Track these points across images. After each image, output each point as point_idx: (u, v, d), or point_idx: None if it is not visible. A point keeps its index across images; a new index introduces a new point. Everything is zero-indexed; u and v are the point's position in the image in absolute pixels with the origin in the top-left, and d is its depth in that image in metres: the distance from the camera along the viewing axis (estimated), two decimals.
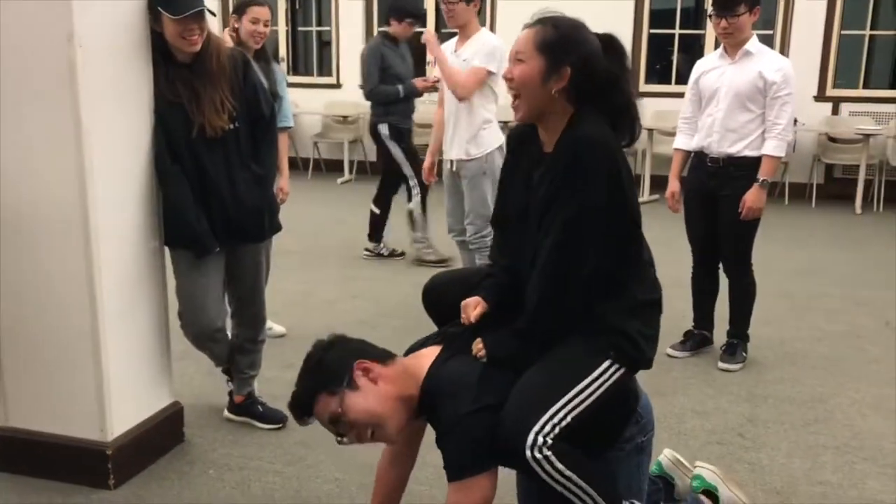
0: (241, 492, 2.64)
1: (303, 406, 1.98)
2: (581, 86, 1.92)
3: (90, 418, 2.63)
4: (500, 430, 1.84)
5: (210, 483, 2.70)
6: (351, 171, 9.28)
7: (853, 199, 7.71)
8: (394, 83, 5.35)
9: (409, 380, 1.98)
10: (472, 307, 2.04)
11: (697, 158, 3.81)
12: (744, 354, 3.81)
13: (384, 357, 2.02)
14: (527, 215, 1.99)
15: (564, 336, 1.95)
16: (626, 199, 1.91)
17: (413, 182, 5.48)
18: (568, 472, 1.84)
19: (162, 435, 2.87)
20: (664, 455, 2.51)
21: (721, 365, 3.77)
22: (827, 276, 5.40)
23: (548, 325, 1.95)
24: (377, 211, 5.69)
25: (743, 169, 3.63)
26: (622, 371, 1.94)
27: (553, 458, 1.81)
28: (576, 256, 1.88)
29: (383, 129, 5.45)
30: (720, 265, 3.89)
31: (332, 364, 1.96)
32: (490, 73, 3.94)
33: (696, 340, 3.97)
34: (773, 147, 3.58)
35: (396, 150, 5.50)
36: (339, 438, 1.98)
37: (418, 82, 5.38)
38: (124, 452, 2.67)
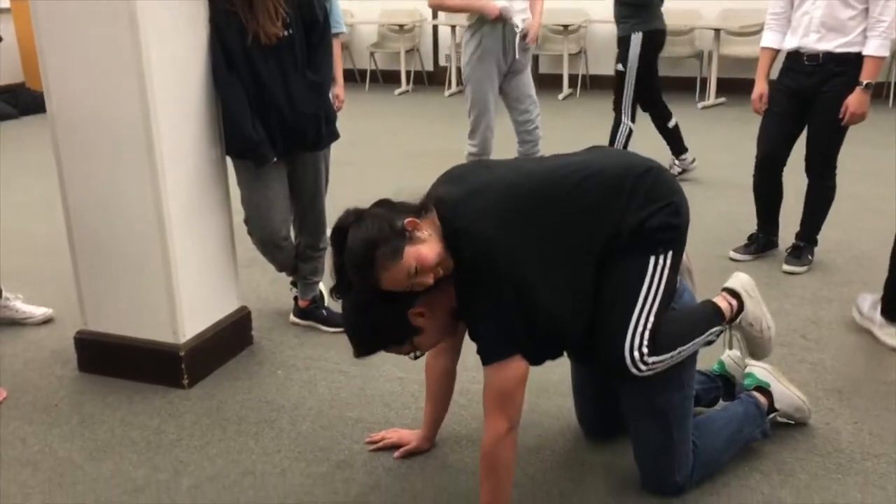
0: (309, 390, 2.75)
1: (368, 353, 2.02)
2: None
3: (163, 322, 2.74)
4: (603, 362, 1.98)
5: (279, 382, 2.81)
6: (408, 82, 9.20)
7: None
8: None
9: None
10: None
11: (791, 59, 3.58)
12: (810, 258, 3.73)
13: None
14: None
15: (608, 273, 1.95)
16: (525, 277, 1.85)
17: (624, 121, 4.78)
18: (675, 351, 1.98)
19: (231, 338, 2.99)
20: (727, 355, 2.51)
21: (786, 267, 3.70)
22: None
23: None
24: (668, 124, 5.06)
25: (844, 65, 3.41)
26: (670, 253, 1.96)
27: (656, 358, 1.94)
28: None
29: (636, 38, 4.68)
30: (783, 169, 3.74)
31: (390, 322, 1.94)
32: None
33: (761, 243, 3.89)
34: (876, 47, 3.34)
35: (633, 64, 4.68)
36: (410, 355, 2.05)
37: None
38: (196, 354, 2.79)
